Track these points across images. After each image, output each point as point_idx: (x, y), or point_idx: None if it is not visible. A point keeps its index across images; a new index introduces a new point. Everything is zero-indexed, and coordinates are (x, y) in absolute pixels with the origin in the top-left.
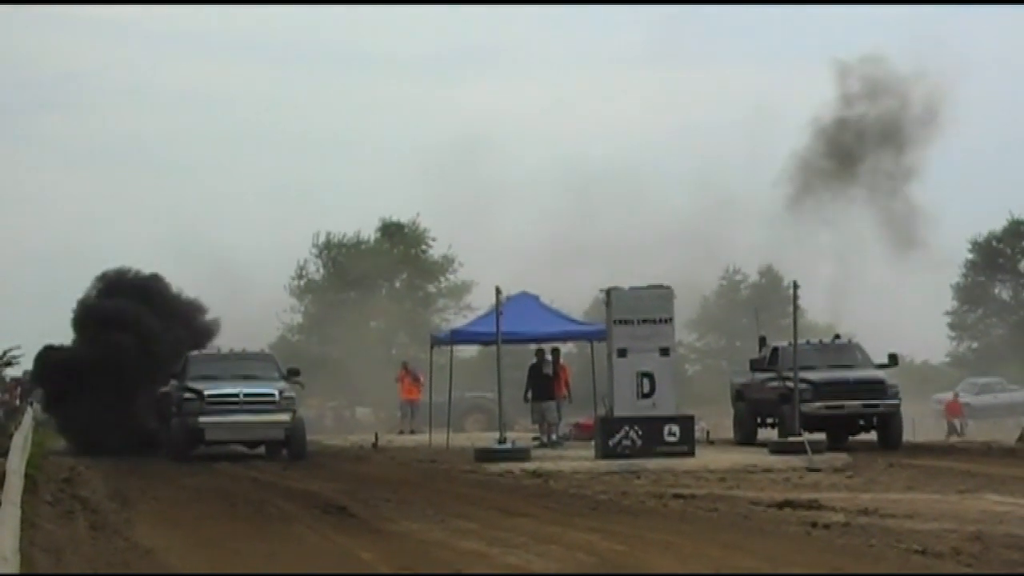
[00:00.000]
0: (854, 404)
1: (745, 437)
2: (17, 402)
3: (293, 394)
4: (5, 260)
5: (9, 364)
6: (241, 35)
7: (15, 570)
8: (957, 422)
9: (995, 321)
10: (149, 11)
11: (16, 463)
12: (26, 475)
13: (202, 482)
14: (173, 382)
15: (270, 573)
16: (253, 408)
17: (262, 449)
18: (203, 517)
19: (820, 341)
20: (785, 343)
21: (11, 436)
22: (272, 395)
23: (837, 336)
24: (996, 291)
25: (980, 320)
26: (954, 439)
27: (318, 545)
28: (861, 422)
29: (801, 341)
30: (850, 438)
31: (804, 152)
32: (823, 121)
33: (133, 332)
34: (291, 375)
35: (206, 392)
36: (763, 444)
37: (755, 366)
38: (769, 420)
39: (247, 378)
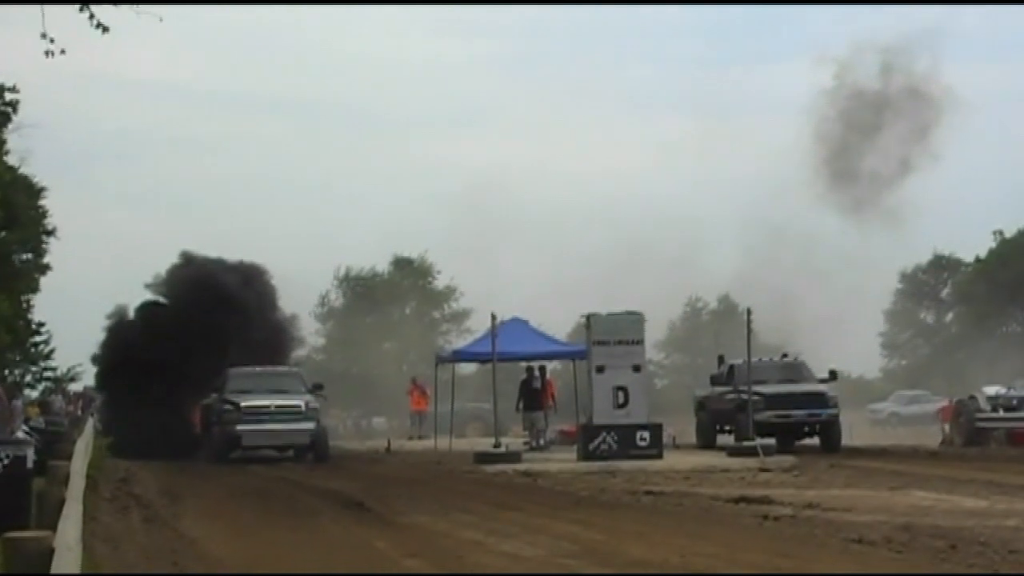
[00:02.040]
0: (800, 413)
1: (706, 442)
2: (79, 412)
3: (317, 405)
4: (71, 289)
5: (73, 380)
6: (271, 93)
7: (78, 558)
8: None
9: (921, 342)
10: (195, 72)
11: (79, 465)
12: (87, 476)
13: (240, 481)
14: (214, 395)
15: (307, 574)
16: (283, 417)
17: (291, 453)
18: (240, 511)
19: (771, 359)
20: (740, 361)
21: (75, 442)
22: (299, 406)
23: (784, 355)
24: (922, 316)
25: (908, 340)
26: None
27: (339, 535)
28: (806, 429)
29: (755, 359)
30: (796, 443)
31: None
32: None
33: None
34: (316, 389)
35: (242, 404)
36: (722, 448)
37: (715, 381)
38: (727, 427)
39: (278, 391)
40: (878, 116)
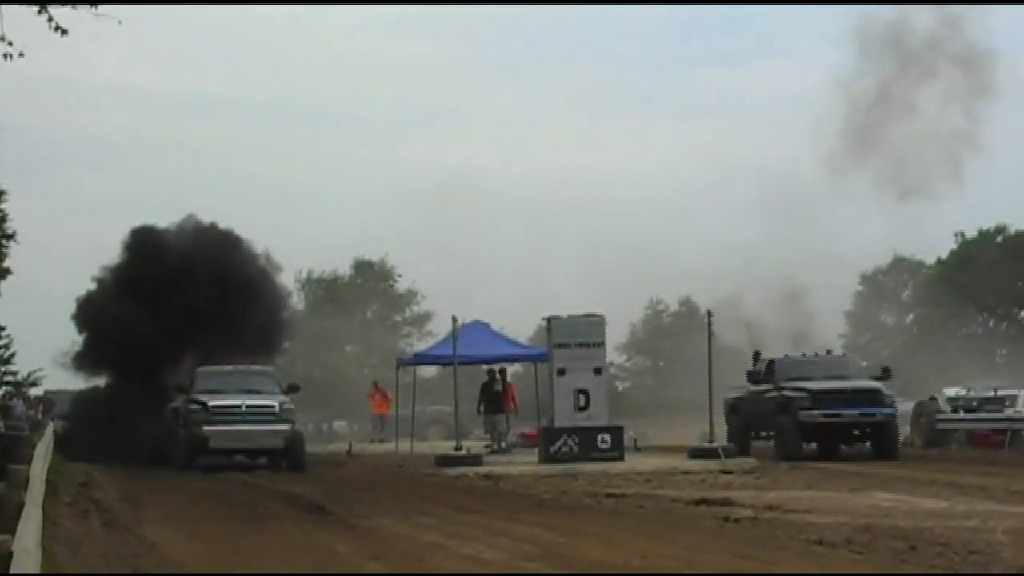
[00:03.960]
0: (851, 412)
1: (741, 450)
2: (40, 416)
3: (292, 407)
4: (32, 294)
5: (34, 384)
6: (232, 96)
7: (37, 562)
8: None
9: (881, 344)
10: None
11: (38, 469)
12: (47, 480)
13: (202, 486)
14: (181, 396)
15: (271, 574)
16: (254, 419)
17: (263, 460)
18: (202, 516)
19: (815, 353)
20: (782, 355)
21: (35, 446)
22: (272, 407)
23: (829, 351)
24: (882, 318)
25: (869, 343)
26: None
27: (301, 539)
28: (856, 431)
29: (796, 354)
30: (843, 447)
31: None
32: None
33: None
34: (291, 390)
35: (210, 403)
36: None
37: (752, 378)
38: (763, 433)
39: (250, 391)
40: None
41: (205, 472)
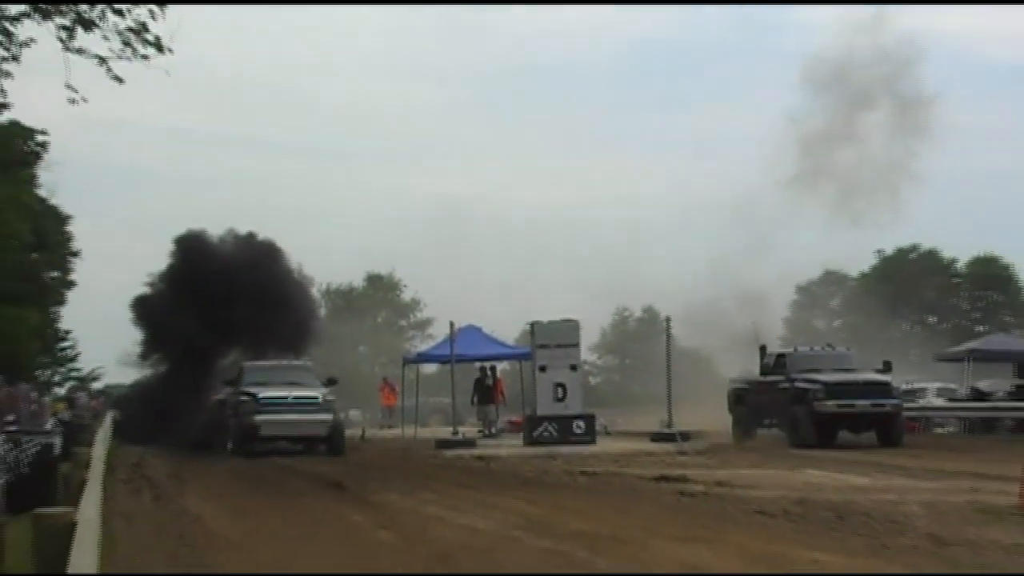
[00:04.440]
0: (863, 403)
1: (746, 436)
2: (100, 407)
3: (333, 398)
4: (94, 302)
5: (95, 379)
6: (262, 136)
7: (97, 530)
8: None
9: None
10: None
11: (99, 452)
12: (106, 462)
13: (239, 467)
14: (228, 389)
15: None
16: (301, 408)
17: (301, 448)
18: (239, 492)
19: (822, 347)
20: (791, 349)
21: (95, 433)
22: (316, 398)
23: (829, 345)
24: (814, 323)
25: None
26: None
27: (322, 512)
28: (866, 421)
29: (804, 348)
30: (849, 434)
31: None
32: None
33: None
34: (330, 383)
35: (260, 395)
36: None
37: (763, 371)
38: (767, 421)
39: (293, 384)
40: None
41: (244, 456)
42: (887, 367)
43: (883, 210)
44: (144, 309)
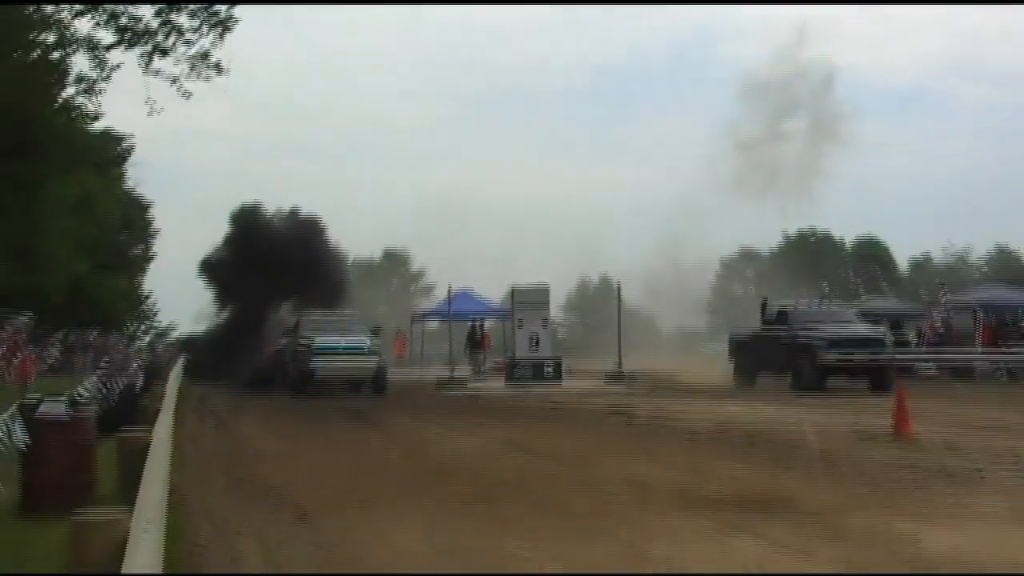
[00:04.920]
0: (862, 354)
1: (747, 383)
2: (174, 354)
3: (379, 343)
4: (169, 271)
5: (171, 331)
6: (296, 140)
7: (168, 448)
8: None
9: (735, 307)
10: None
11: (172, 388)
12: (177, 396)
13: (283, 401)
14: (286, 338)
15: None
16: (351, 354)
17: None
18: (282, 421)
19: (819, 303)
20: (792, 305)
21: (169, 373)
22: (365, 344)
23: (822, 299)
24: (733, 289)
25: (725, 306)
26: None
27: (346, 435)
28: (861, 369)
29: (802, 304)
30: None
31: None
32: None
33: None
34: (375, 331)
35: (316, 342)
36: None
37: (766, 324)
38: (765, 369)
39: (343, 332)
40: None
41: (300, 395)
42: (876, 320)
43: (797, 200)
44: (209, 269)
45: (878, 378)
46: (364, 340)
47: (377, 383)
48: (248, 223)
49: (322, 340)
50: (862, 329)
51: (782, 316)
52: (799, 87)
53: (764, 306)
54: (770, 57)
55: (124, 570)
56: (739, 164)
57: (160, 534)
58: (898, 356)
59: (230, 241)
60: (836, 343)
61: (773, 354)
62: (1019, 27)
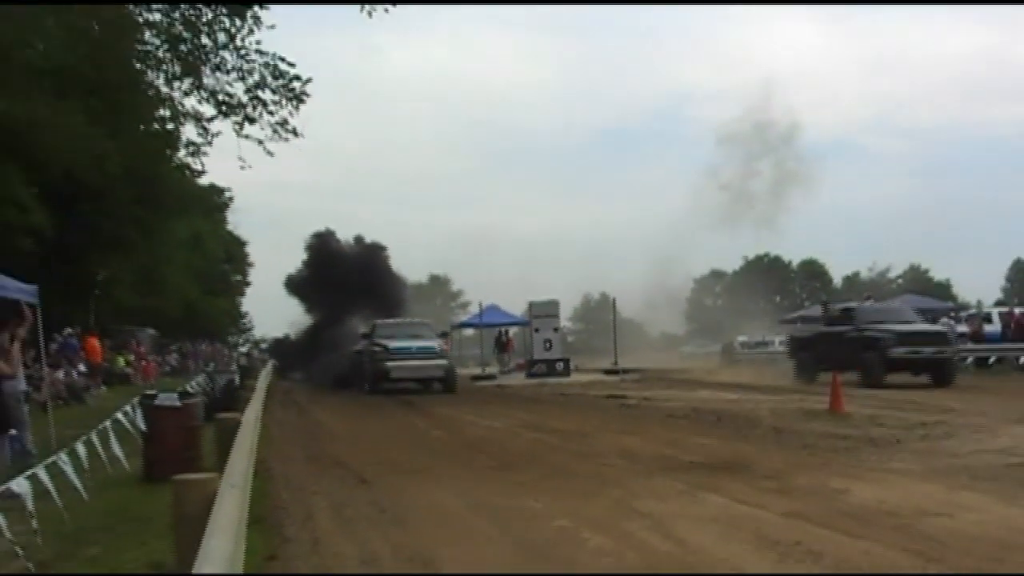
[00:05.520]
0: (928, 350)
1: (808, 379)
2: (266, 359)
3: (447, 347)
4: (263, 295)
5: (263, 341)
6: (350, 186)
7: (255, 428)
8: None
9: (706, 316)
10: (313, 175)
11: (262, 384)
12: (267, 390)
13: (353, 395)
14: (364, 341)
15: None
16: (423, 356)
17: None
18: (349, 410)
19: (875, 302)
20: (856, 304)
21: (260, 373)
22: (435, 348)
23: (868, 297)
24: (705, 302)
25: (699, 314)
26: None
27: (398, 419)
28: (926, 365)
29: (867, 303)
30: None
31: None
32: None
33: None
34: (442, 336)
35: (390, 345)
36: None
37: (829, 322)
38: (827, 367)
39: (415, 337)
40: None
41: (377, 393)
42: (933, 319)
43: (767, 228)
44: (292, 285)
45: (941, 373)
46: (434, 343)
47: (447, 382)
48: (322, 244)
49: (396, 344)
50: (926, 325)
51: (847, 313)
52: (767, 137)
53: (825, 306)
54: (743, 112)
55: (212, 517)
56: (720, 199)
57: (243, 492)
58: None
59: (308, 259)
60: (904, 338)
61: (837, 351)
62: (924, 93)
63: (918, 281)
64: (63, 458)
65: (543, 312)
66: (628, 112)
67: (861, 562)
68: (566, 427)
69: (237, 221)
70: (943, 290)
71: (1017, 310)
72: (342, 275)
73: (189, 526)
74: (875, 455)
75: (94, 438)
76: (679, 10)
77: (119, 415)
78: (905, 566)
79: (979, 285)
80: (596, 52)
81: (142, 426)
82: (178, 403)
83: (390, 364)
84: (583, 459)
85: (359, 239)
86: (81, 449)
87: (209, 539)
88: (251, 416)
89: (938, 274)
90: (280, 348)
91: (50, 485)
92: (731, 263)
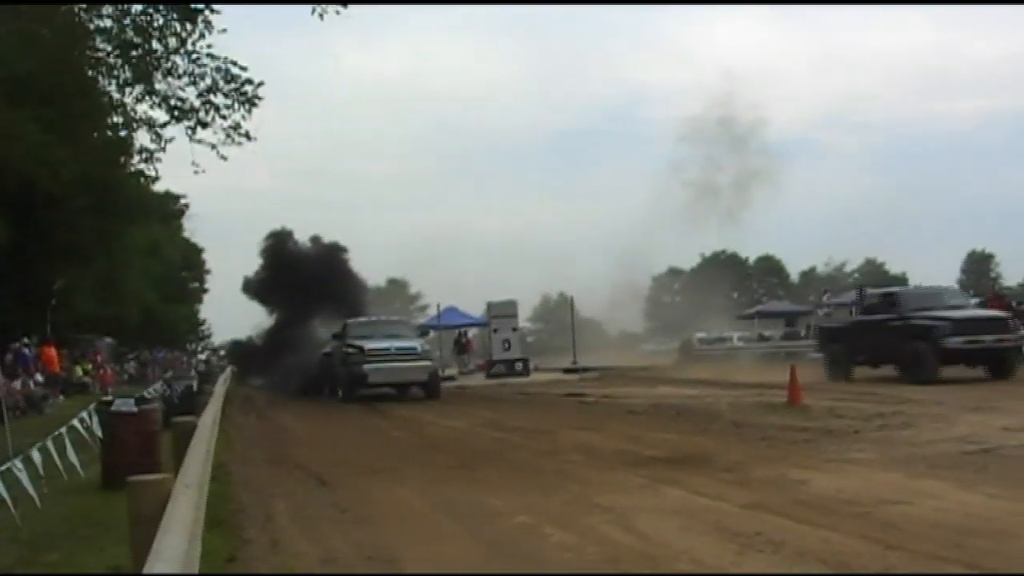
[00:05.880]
0: (989, 339)
1: (841, 375)
2: (224, 364)
3: (429, 347)
4: (220, 301)
5: (221, 348)
6: (312, 195)
7: (212, 432)
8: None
9: (664, 312)
10: (275, 183)
11: (220, 390)
12: (225, 395)
13: (311, 400)
14: (334, 343)
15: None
16: (403, 357)
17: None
18: (310, 412)
19: (835, 295)
20: (898, 289)
21: (218, 378)
22: (416, 348)
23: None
24: (663, 299)
25: (658, 311)
26: None
27: (359, 421)
28: (985, 355)
29: (912, 287)
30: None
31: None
32: None
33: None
34: (423, 334)
35: (367, 346)
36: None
37: (867, 310)
38: (864, 360)
39: (393, 336)
40: None
41: (352, 401)
42: (983, 303)
43: (730, 224)
44: (250, 287)
45: (1001, 364)
46: (415, 343)
47: (430, 386)
48: (279, 243)
49: (373, 344)
50: (983, 311)
51: (889, 299)
52: (732, 131)
53: (861, 293)
54: (704, 108)
55: (165, 516)
56: (684, 196)
57: (199, 492)
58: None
59: (265, 260)
60: (961, 326)
61: (877, 342)
62: (876, 89)
63: (874, 275)
64: (18, 465)
65: (501, 312)
66: (585, 112)
67: (821, 550)
68: (527, 425)
69: (194, 228)
70: (900, 283)
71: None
72: (302, 275)
73: (144, 527)
74: (834, 446)
75: (50, 445)
76: (631, 10)
77: (75, 422)
78: (865, 553)
79: (935, 277)
80: (552, 52)
81: (99, 433)
82: (135, 409)
83: (367, 367)
84: (544, 456)
85: (316, 239)
86: (37, 457)
87: (162, 538)
88: (208, 419)
89: (894, 267)
90: (239, 352)
91: (5, 493)
92: (688, 261)
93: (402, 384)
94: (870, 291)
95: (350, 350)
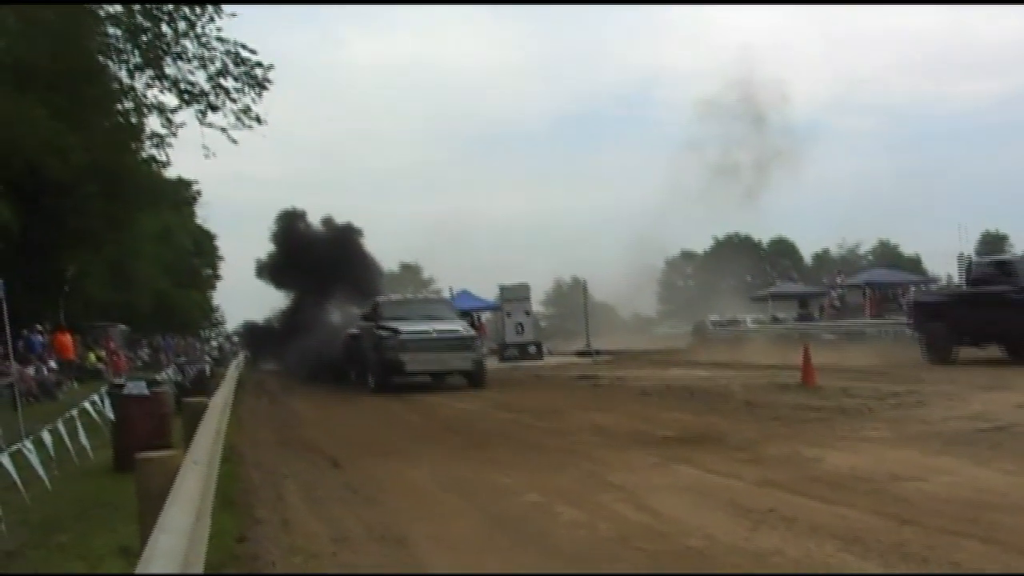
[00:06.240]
0: None
1: (942, 358)
2: (237, 349)
3: (473, 332)
4: (233, 287)
5: (236, 334)
6: (325, 180)
7: (222, 411)
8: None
9: (678, 295)
10: (279, 168)
11: (233, 374)
12: (238, 380)
13: (320, 383)
14: (363, 323)
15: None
16: (444, 343)
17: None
18: (323, 396)
19: (850, 276)
20: (1012, 256)
21: (230, 363)
22: (459, 332)
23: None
24: (676, 282)
25: (671, 295)
26: None
27: (373, 405)
28: None
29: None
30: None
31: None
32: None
33: None
34: (464, 315)
35: (403, 330)
36: (956, 363)
37: (974, 282)
38: (970, 340)
39: (433, 318)
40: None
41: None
42: None
43: (742, 208)
44: (263, 269)
45: None
46: (457, 326)
47: (476, 375)
48: (292, 223)
49: (410, 328)
50: None
51: (1004, 268)
52: (754, 108)
53: (969, 265)
54: (724, 86)
55: (172, 490)
56: (702, 178)
57: (208, 469)
58: None
59: (278, 240)
60: None
61: (988, 319)
62: (889, 70)
63: (888, 256)
64: (28, 446)
65: (514, 296)
66: (597, 95)
67: (835, 526)
68: (538, 406)
69: (206, 215)
70: (913, 264)
71: None
72: (316, 255)
73: (152, 503)
74: (847, 424)
75: (61, 428)
76: None
77: (86, 404)
78: (878, 528)
79: (949, 259)
80: (564, 36)
81: (111, 416)
82: (147, 392)
83: (405, 356)
84: (556, 436)
85: (328, 220)
86: (48, 440)
87: (168, 511)
88: (219, 400)
89: (907, 249)
90: (252, 334)
91: (15, 475)
92: (702, 244)
93: (443, 373)
94: (976, 259)
95: (383, 333)
